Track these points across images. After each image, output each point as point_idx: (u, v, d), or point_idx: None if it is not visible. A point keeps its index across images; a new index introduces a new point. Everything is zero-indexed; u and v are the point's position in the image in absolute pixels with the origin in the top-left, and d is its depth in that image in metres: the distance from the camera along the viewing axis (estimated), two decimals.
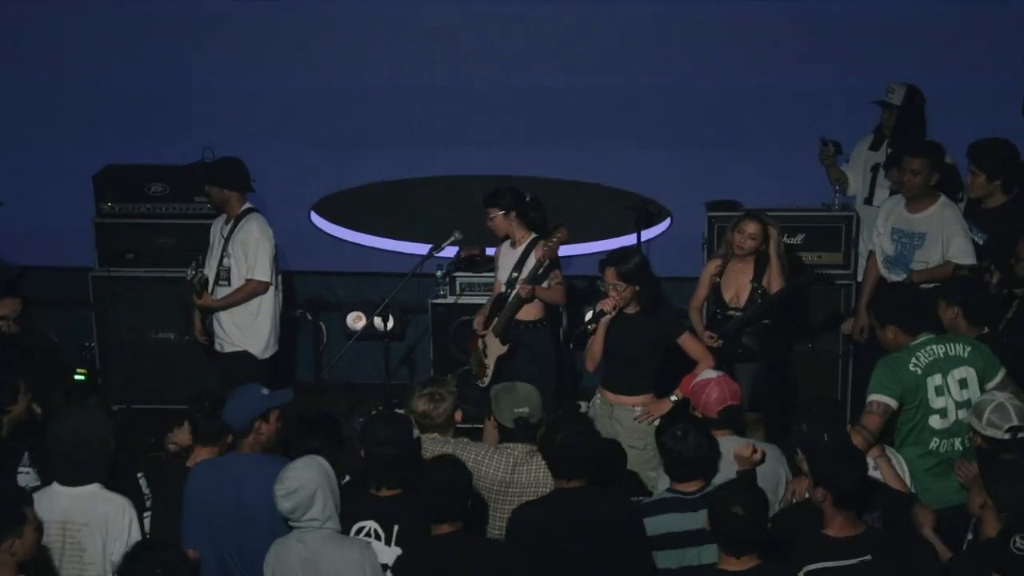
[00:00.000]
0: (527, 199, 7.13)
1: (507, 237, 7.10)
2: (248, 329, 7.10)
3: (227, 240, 7.08)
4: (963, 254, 6.73)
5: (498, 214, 7.01)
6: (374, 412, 6.97)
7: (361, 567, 4.65)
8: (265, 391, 5.12)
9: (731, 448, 5.20)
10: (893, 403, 5.39)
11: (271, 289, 7.09)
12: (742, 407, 5.58)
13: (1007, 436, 4.89)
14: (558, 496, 4.92)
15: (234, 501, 4.87)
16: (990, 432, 4.94)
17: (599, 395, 6.35)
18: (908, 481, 5.37)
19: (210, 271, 7.18)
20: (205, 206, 7.69)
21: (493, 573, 4.60)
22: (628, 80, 8.41)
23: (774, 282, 6.66)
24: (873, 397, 5.42)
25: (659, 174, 8.43)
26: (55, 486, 4.92)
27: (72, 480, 4.89)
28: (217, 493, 4.90)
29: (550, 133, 8.54)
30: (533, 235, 7.05)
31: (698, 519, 4.71)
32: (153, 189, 8.09)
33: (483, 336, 7.09)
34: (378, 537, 4.81)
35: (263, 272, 7.01)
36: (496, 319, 7.01)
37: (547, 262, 6.81)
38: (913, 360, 5.45)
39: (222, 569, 4.91)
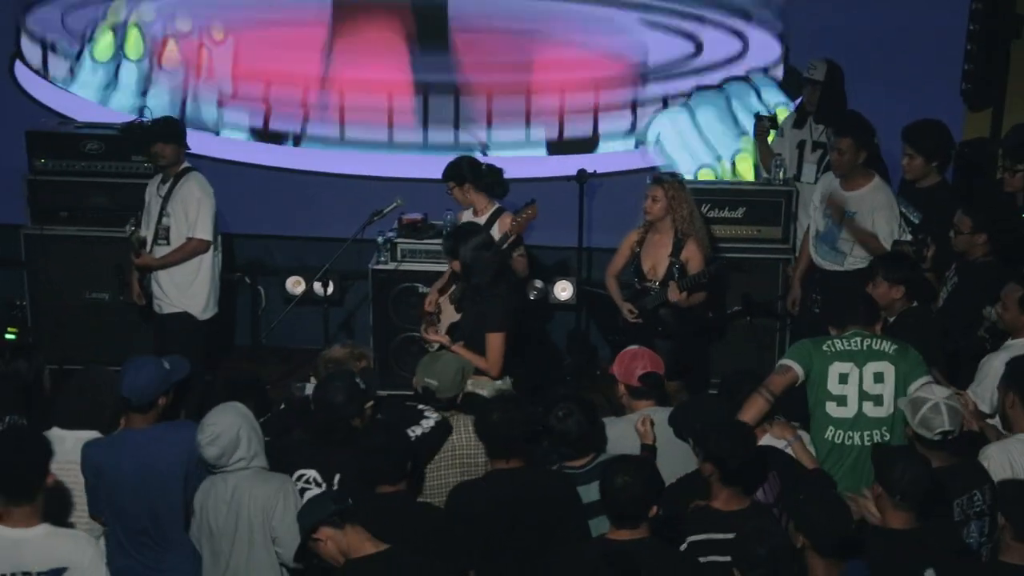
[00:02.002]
0: (482, 168, 7.10)
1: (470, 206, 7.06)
2: (188, 289, 7.03)
3: (166, 199, 6.98)
4: (887, 236, 6.81)
5: (454, 187, 6.98)
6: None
7: (278, 497, 4.67)
8: (166, 364, 4.97)
9: (662, 419, 5.22)
10: (799, 370, 5.32)
11: (211, 249, 7.02)
12: (663, 376, 5.58)
13: (937, 438, 4.83)
14: (496, 477, 4.91)
15: (137, 475, 4.74)
16: (921, 431, 4.86)
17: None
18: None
19: (148, 231, 7.09)
20: (142, 165, 7.59)
21: (429, 534, 4.59)
22: None
23: (691, 255, 6.68)
24: (783, 360, 5.42)
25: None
26: (55, 430, 4.88)
27: (75, 423, 4.89)
28: (116, 470, 4.75)
29: None
30: (496, 205, 7.02)
31: (590, 492, 4.77)
32: (88, 147, 7.95)
33: (438, 300, 7.07)
34: (319, 485, 4.84)
35: (204, 230, 6.95)
36: (455, 286, 6.95)
37: (513, 236, 6.77)
38: (828, 343, 5.38)
39: (133, 543, 4.80)
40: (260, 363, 8.16)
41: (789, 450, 5.20)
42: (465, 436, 5.24)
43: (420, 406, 5.30)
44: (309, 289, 7.82)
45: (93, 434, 4.91)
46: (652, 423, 5.21)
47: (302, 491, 4.82)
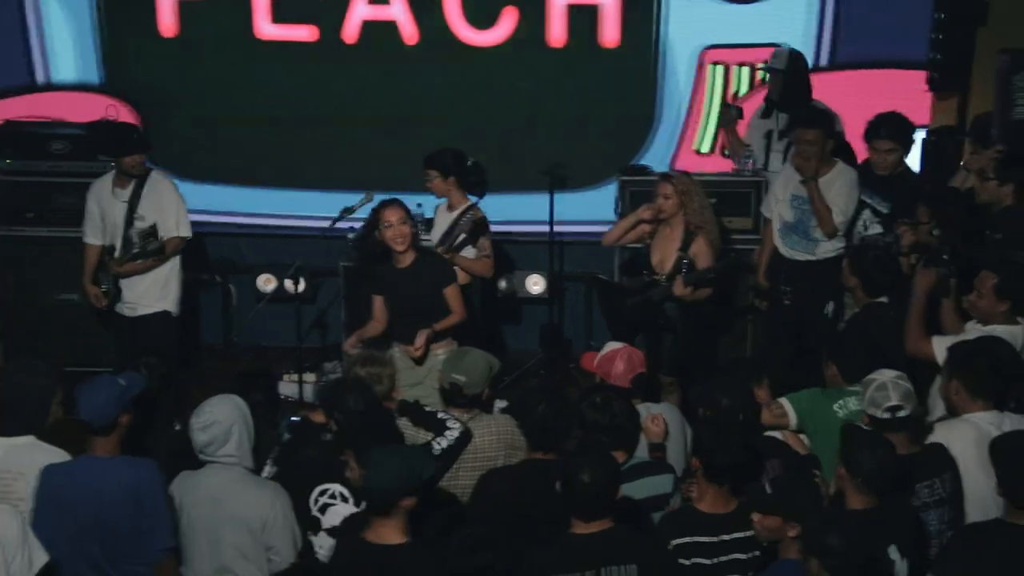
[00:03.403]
0: (468, 163, 7.08)
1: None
2: (164, 288, 7.04)
3: (133, 202, 6.94)
4: (839, 214, 6.86)
5: (437, 177, 6.95)
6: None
7: (272, 509, 4.63)
8: (121, 381, 4.81)
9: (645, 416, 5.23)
10: (793, 421, 5.28)
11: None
12: (651, 374, 5.60)
13: (886, 416, 4.82)
14: (531, 465, 4.86)
15: (96, 504, 4.58)
16: (871, 411, 4.86)
17: (397, 350, 6.30)
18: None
19: (110, 237, 7.05)
20: (109, 164, 7.53)
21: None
22: None
23: (700, 250, 6.68)
24: (783, 401, 5.30)
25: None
26: None
27: (6, 430, 4.75)
28: (75, 498, 4.60)
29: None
30: (469, 201, 7.01)
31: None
32: (55, 147, 7.89)
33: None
34: (345, 500, 4.77)
35: (186, 228, 7.05)
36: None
37: (463, 235, 6.76)
38: (840, 403, 5.27)
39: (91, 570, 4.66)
40: (233, 361, 8.14)
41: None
42: (487, 439, 5.17)
43: (441, 414, 5.24)
44: (280, 286, 7.79)
45: (27, 439, 4.74)
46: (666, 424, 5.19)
47: (326, 507, 4.76)
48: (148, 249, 6.97)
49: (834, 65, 8.32)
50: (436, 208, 7.21)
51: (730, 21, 8.29)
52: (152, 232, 6.97)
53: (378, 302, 6.44)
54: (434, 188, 7.02)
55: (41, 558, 4.39)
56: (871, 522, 4.41)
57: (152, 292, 7.01)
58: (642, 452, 5.10)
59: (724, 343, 7.73)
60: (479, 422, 5.23)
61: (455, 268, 6.61)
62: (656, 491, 4.91)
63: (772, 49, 7.83)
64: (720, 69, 8.38)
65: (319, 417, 5.21)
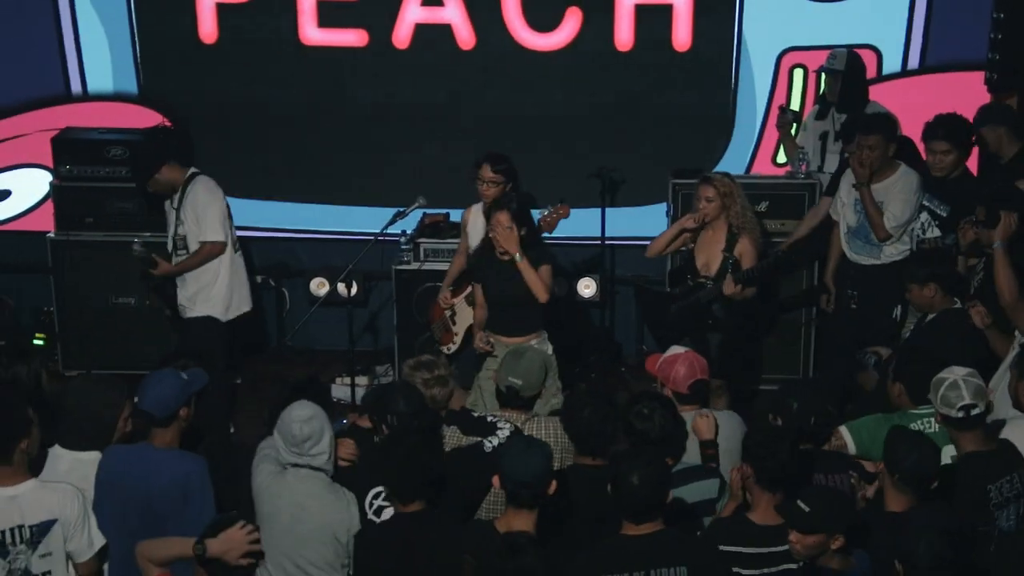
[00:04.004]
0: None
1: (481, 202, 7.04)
2: (208, 292, 7.03)
3: (178, 208, 7.01)
4: (892, 219, 6.80)
5: (501, 182, 6.94)
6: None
7: (348, 518, 4.73)
8: (184, 375, 4.96)
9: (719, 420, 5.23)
10: (851, 450, 5.21)
11: (228, 250, 7.02)
12: (708, 381, 5.57)
13: (960, 415, 4.80)
14: (577, 471, 4.88)
15: (145, 492, 4.72)
16: (944, 411, 4.84)
17: (492, 339, 6.41)
18: None
19: (168, 241, 7.13)
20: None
21: (443, 555, 4.48)
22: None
23: (745, 250, 6.65)
24: (843, 430, 5.22)
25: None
26: (56, 448, 4.87)
27: (72, 444, 4.84)
28: (130, 483, 4.74)
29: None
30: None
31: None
32: (112, 152, 7.99)
33: (452, 303, 7.07)
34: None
35: (215, 232, 6.94)
36: (470, 288, 6.95)
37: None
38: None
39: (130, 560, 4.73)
40: (285, 364, 8.20)
41: None
42: (551, 439, 5.14)
43: (491, 417, 5.28)
44: (333, 290, 7.83)
45: (93, 455, 4.84)
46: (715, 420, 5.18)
47: (381, 509, 4.81)
48: (143, 266, 7.07)
49: (924, 68, 8.18)
50: (468, 213, 7.17)
51: (812, 21, 8.11)
52: (144, 255, 7.03)
53: (478, 290, 6.57)
54: (487, 191, 6.94)
55: (100, 540, 4.59)
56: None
57: (198, 296, 7.03)
58: (693, 454, 5.09)
59: (779, 345, 7.68)
60: (535, 424, 5.25)
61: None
62: (704, 496, 4.92)
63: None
64: (801, 72, 8.24)
65: (365, 422, 5.24)
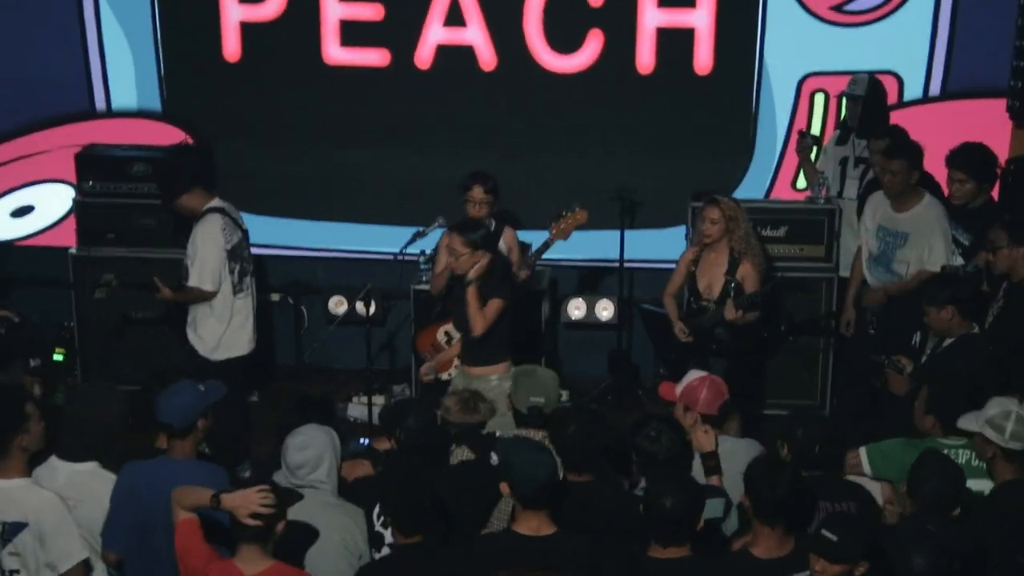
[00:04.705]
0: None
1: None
2: (196, 325, 6.98)
3: (188, 240, 6.98)
4: (939, 261, 6.76)
5: (492, 200, 6.98)
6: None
7: (351, 531, 4.76)
8: (201, 387, 5.00)
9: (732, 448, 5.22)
10: (867, 472, 5.19)
11: (225, 294, 6.91)
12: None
13: (1016, 445, 4.82)
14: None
15: (168, 507, 4.66)
16: (1013, 445, 4.83)
17: (459, 371, 6.51)
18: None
19: None
20: None
21: None
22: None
23: (747, 274, 6.65)
24: (861, 451, 5.21)
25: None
26: (53, 459, 4.90)
27: (72, 455, 4.88)
28: (152, 496, 4.74)
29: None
30: (493, 221, 7.10)
31: None
32: (135, 169, 8.04)
33: (444, 328, 7.09)
34: None
35: (203, 280, 6.83)
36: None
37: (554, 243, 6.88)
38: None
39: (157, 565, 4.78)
40: (303, 382, 8.22)
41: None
42: None
43: (499, 434, 5.37)
44: (351, 309, 7.85)
45: (90, 465, 4.89)
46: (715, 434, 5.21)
47: (388, 522, 4.81)
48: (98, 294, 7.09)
49: (945, 95, 8.17)
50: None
51: (833, 46, 8.12)
52: (105, 282, 7.04)
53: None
54: (479, 210, 7.00)
55: (81, 554, 4.59)
56: None
57: (192, 325, 6.97)
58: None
59: (797, 370, 7.67)
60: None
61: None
62: (708, 515, 4.90)
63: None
64: (822, 97, 8.24)
65: (383, 444, 5.27)
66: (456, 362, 6.81)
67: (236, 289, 6.96)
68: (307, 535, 4.71)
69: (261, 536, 4.31)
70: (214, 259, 6.83)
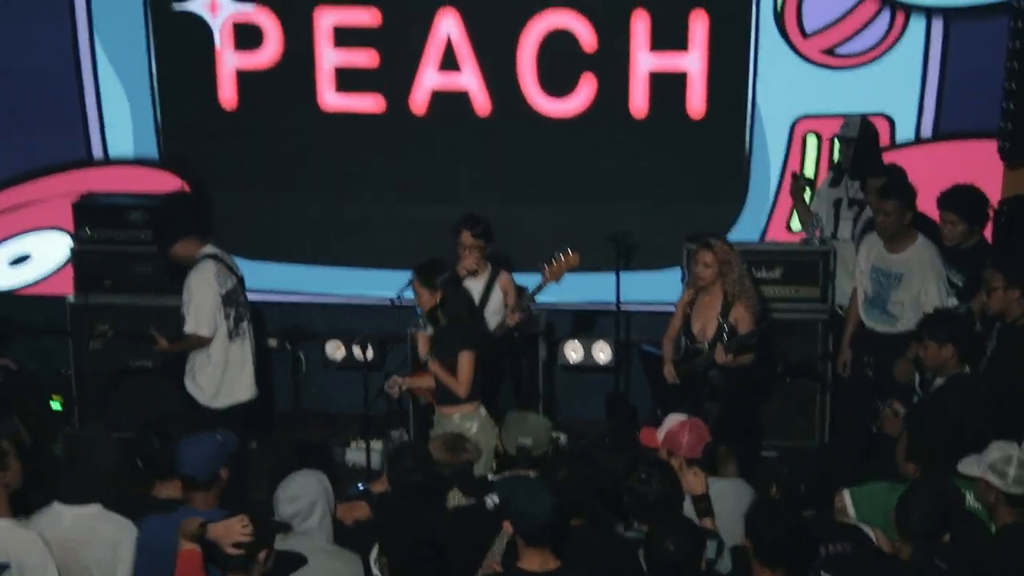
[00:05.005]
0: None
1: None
2: (195, 374, 6.98)
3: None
4: (933, 302, 6.77)
5: (481, 244, 7.03)
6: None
7: (352, 572, 4.77)
8: (218, 437, 5.04)
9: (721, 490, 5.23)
10: (852, 515, 5.18)
11: (220, 339, 6.93)
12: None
13: (1018, 490, 4.83)
14: None
15: None
16: (1015, 490, 4.84)
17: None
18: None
19: None
20: None
21: None
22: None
23: (740, 316, 6.69)
24: (845, 494, 5.20)
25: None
26: (55, 505, 4.90)
27: (74, 499, 4.88)
28: (172, 548, 4.65)
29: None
30: (490, 265, 7.13)
31: None
32: (132, 217, 8.07)
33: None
34: None
35: (198, 326, 6.85)
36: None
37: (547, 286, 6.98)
38: None
39: None
40: (301, 428, 8.22)
41: None
42: None
43: (491, 476, 5.40)
44: (349, 354, 7.87)
45: (94, 508, 4.89)
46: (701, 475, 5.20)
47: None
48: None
49: (937, 136, 8.24)
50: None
51: (825, 89, 8.20)
52: (100, 332, 7.09)
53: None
54: (468, 255, 7.09)
55: None
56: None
57: (191, 373, 6.99)
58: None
59: (794, 411, 7.68)
60: None
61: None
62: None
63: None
64: (815, 139, 8.30)
65: (380, 487, 5.30)
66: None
67: (232, 335, 6.98)
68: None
69: (244, 566, 4.38)
70: (209, 304, 6.85)
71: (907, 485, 5.12)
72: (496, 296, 7.11)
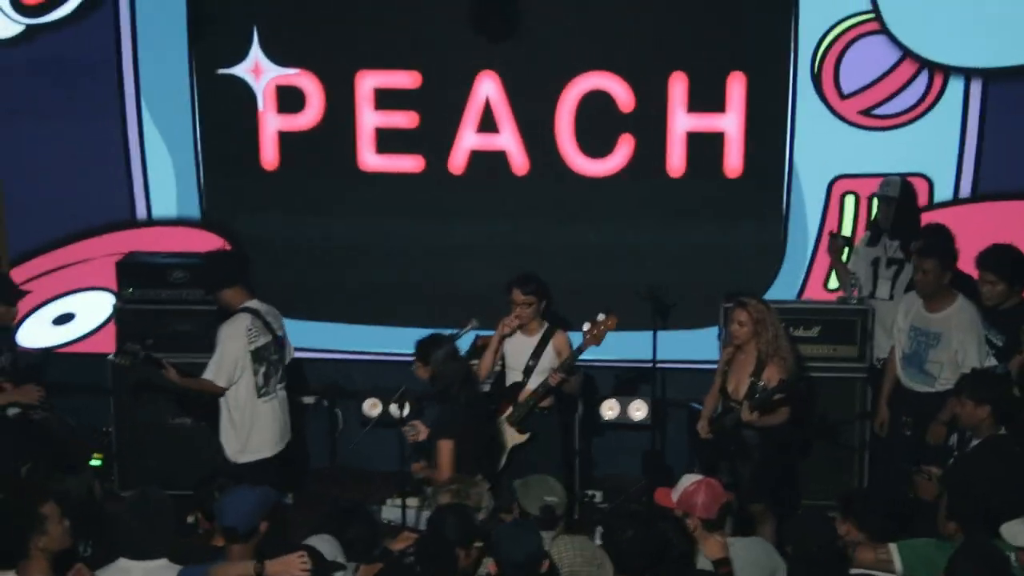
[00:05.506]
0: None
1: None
2: (226, 430, 7.03)
3: None
4: (972, 363, 6.73)
5: (534, 302, 7.07)
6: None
7: None
8: (258, 490, 5.12)
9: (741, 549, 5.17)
10: (898, 569, 5.16)
11: (246, 395, 6.97)
12: (741, 504, 5.57)
13: None
14: None
15: None
16: None
17: None
18: None
19: None
20: None
21: None
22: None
23: (772, 376, 6.67)
24: (892, 547, 5.18)
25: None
26: (122, 561, 4.93)
27: (141, 554, 4.90)
28: None
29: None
30: (547, 324, 7.12)
31: None
32: (174, 276, 8.18)
33: None
34: None
35: (215, 375, 6.90)
36: (512, 408, 7.05)
37: (587, 349, 6.97)
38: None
39: None
40: (338, 486, 8.22)
41: None
42: (572, 556, 5.25)
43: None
44: (385, 411, 7.89)
45: (162, 563, 4.93)
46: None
47: None
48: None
49: (976, 196, 8.22)
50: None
51: (862, 149, 8.21)
52: (131, 350, 7.12)
53: None
54: (521, 314, 7.11)
55: None
56: None
57: (221, 427, 7.05)
58: None
59: (832, 470, 7.61)
60: (561, 542, 5.32)
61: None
62: None
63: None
64: (853, 199, 8.31)
65: (398, 544, 5.31)
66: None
67: (261, 392, 7.01)
68: None
69: None
70: (231, 357, 6.89)
71: (955, 544, 5.10)
72: (548, 355, 7.13)
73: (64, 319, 8.98)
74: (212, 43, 8.57)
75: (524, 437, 7.05)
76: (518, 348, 7.14)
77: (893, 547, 5.17)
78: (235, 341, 6.90)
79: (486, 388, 7.48)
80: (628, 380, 8.35)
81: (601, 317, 6.97)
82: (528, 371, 7.09)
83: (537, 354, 7.08)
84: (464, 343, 7.63)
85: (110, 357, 7.43)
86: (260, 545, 5.02)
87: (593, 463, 8.05)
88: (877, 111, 8.20)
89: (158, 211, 8.86)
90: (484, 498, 5.79)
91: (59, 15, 8.67)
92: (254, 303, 7.07)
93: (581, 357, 7.20)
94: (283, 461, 7.20)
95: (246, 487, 5.16)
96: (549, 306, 7.24)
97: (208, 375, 6.91)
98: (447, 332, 7.26)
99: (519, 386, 7.10)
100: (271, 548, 5.27)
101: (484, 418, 6.84)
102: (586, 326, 7.06)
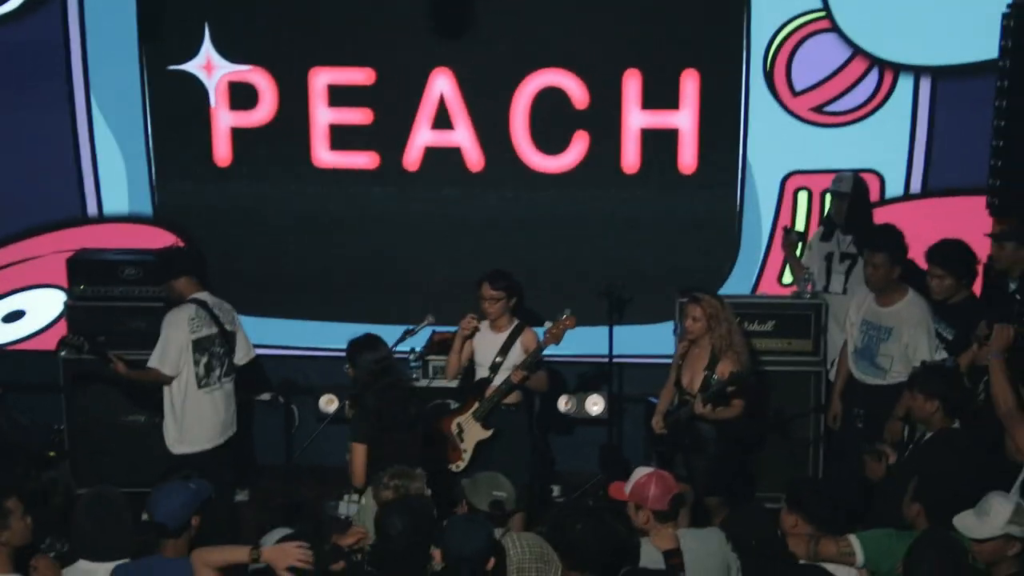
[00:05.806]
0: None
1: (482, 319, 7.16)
2: (168, 418, 7.06)
3: None
4: (923, 356, 6.81)
5: (502, 298, 7.06)
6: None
7: None
8: (191, 485, 5.05)
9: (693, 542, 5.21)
10: (859, 560, 5.19)
11: (185, 385, 7.00)
12: (697, 496, 5.60)
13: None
14: None
15: None
16: (1012, 530, 4.79)
17: None
18: None
19: None
20: None
21: None
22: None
23: (726, 370, 6.73)
24: (852, 539, 5.21)
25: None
26: (82, 563, 4.91)
27: (99, 555, 4.88)
28: None
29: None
30: (516, 321, 7.12)
31: None
32: (126, 272, 8.10)
33: (457, 420, 7.11)
34: None
35: (159, 362, 6.95)
36: (478, 404, 7.04)
37: (546, 347, 6.96)
38: None
39: None
40: (294, 482, 8.17)
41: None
42: (520, 552, 5.24)
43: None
44: (342, 407, 7.86)
45: (123, 563, 4.91)
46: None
47: None
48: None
49: (927, 192, 8.32)
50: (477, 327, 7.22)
51: (815, 146, 8.29)
52: (76, 343, 7.10)
53: None
54: (489, 308, 7.10)
55: None
56: None
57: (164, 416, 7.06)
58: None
59: (784, 463, 7.68)
60: (509, 538, 5.32)
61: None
62: None
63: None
64: (805, 194, 8.39)
65: (346, 540, 5.30)
66: (464, 455, 7.02)
67: (202, 383, 7.04)
68: None
69: None
70: (175, 345, 6.94)
71: (913, 533, 5.16)
72: (516, 352, 7.12)
73: (14, 316, 8.87)
74: (163, 39, 8.49)
75: (488, 433, 7.04)
76: (486, 344, 7.14)
77: (854, 538, 5.20)
78: (176, 329, 6.94)
79: (454, 384, 7.50)
80: (585, 375, 8.36)
81: (560, 317, 6.98)
82: (495, 367, 7.09)
83: (505, 350, 7.08)
84: (420, 339, 7.64)
85: (57, 351, 7.36)
86: (193, 541, 4.96)
87: (551, 458, 8.05)
88: (829, 108, 8.28)
89: (109, 208, 8.77)
90: (423, 491, 5.72)
91: (6, 9, 8.56)
92: (204, 295, 7.10)
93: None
94: (232, 456, 7.18)
95: (179, 482, 5.08)
96: (520, 303, 7.23)
97: (153, 363, 6.94)
98: (403, 328, 7.27)
99: (486, 382, 7.09)
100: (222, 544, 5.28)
101: (400, 430, 6.70)
102: (547, 324, 7.06)
